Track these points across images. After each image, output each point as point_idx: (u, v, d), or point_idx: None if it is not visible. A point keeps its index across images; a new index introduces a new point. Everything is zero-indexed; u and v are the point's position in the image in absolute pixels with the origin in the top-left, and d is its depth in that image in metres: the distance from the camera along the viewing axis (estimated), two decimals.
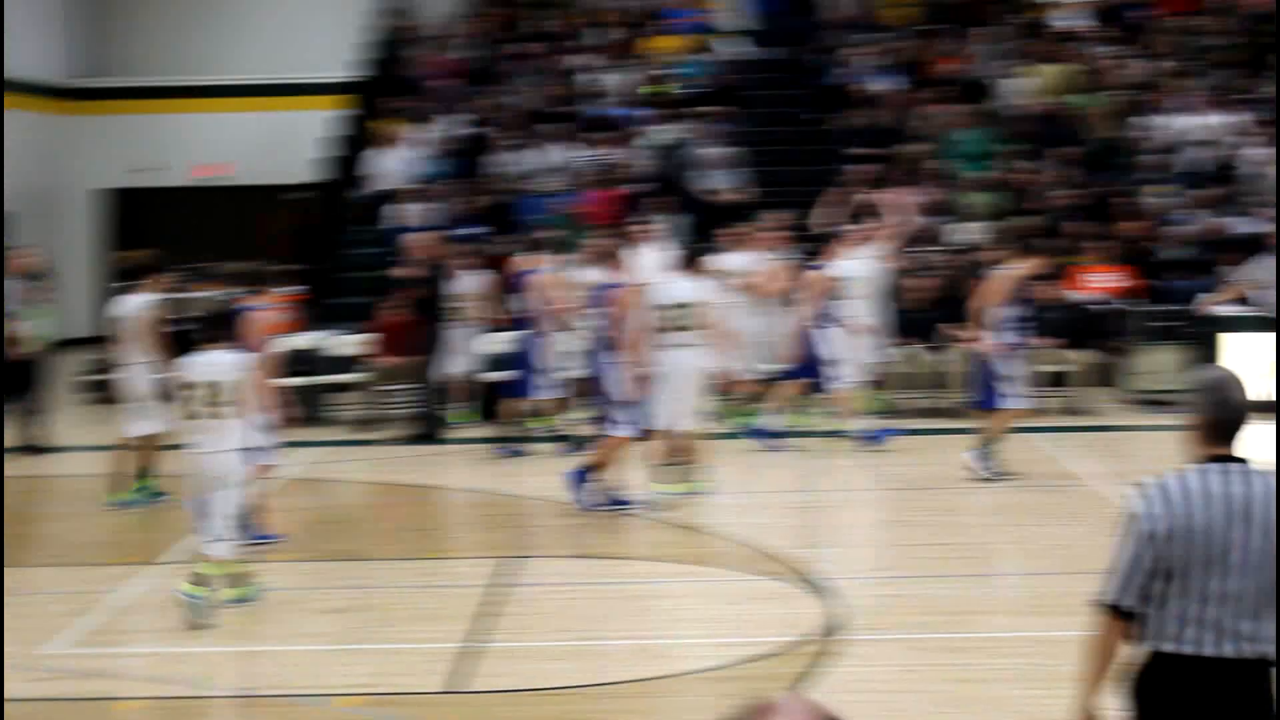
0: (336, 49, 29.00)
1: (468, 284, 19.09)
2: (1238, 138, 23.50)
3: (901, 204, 18.90)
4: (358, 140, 25.68)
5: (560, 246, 17.85)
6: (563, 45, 26.71)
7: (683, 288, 14.43)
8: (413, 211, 23.24)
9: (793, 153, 25.95)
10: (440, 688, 9.22)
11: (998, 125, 23.96)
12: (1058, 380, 19.77)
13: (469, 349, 19.04)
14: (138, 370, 14.73)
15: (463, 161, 24.49)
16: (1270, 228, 20.34)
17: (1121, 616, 5.22)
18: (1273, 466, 5.22)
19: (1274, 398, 16.61)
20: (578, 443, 16.78)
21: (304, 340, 20.38)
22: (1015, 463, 15.97)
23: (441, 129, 24.79)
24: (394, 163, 24.51)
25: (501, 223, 23.02)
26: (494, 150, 24.42)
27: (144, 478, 14.88)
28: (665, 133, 24.23)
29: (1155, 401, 19.58)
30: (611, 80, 25.65)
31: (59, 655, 10.07)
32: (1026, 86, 24.94)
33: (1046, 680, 8.95)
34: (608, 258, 14.96)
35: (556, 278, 16.93)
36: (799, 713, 1.89)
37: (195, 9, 31.29)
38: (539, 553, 12.95)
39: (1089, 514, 13.81)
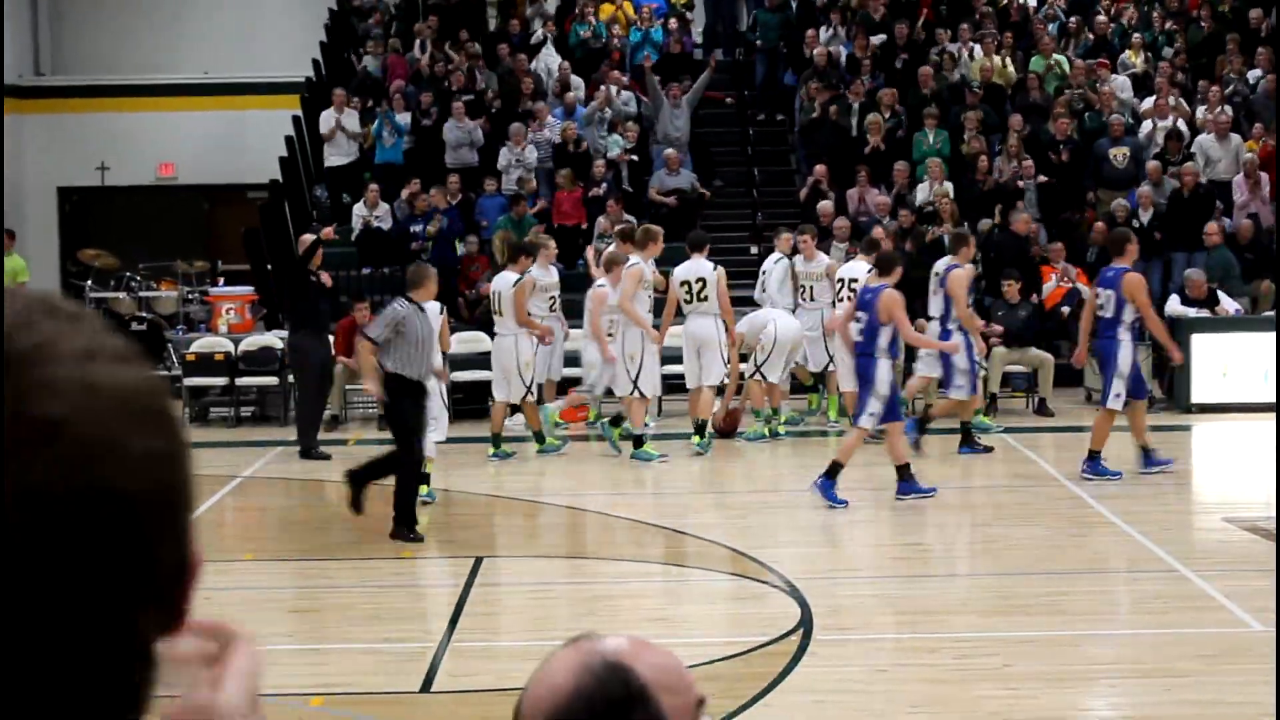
0: (297, 47, 28.91)
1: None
2: (1198, 129, 23.69)
3: (866, 203, 18.97)
4: (318, 138, 25.62)
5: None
6: (519, 38, 26.73)
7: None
8: (373, 209, 23.21)
9: (746, 150, 26.01)
10: (413, 688, 9.21)
11: (962, 122, 24.00)
12: (1024, 381, 19.86)
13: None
14: None
15: (421, 158, 24.44)
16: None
17: None
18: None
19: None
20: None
21: (269, 339, 20.34)
22: (986, 463, 16.07)
23: (400, 125, 24.73)
24: (353, 159, 24.52)
25: (463, 220, 23.01)
26: (455, 147, 24.35)
27: None
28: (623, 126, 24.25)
29: None
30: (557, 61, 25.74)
31: None
32: (992, 79, 25.03)
33: (1016, 680, 9.00)
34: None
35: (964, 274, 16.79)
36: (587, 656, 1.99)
37: (155, 7, 31.15)
38: (511, 553, 12.95)
39: (1057, 514, 13.88)
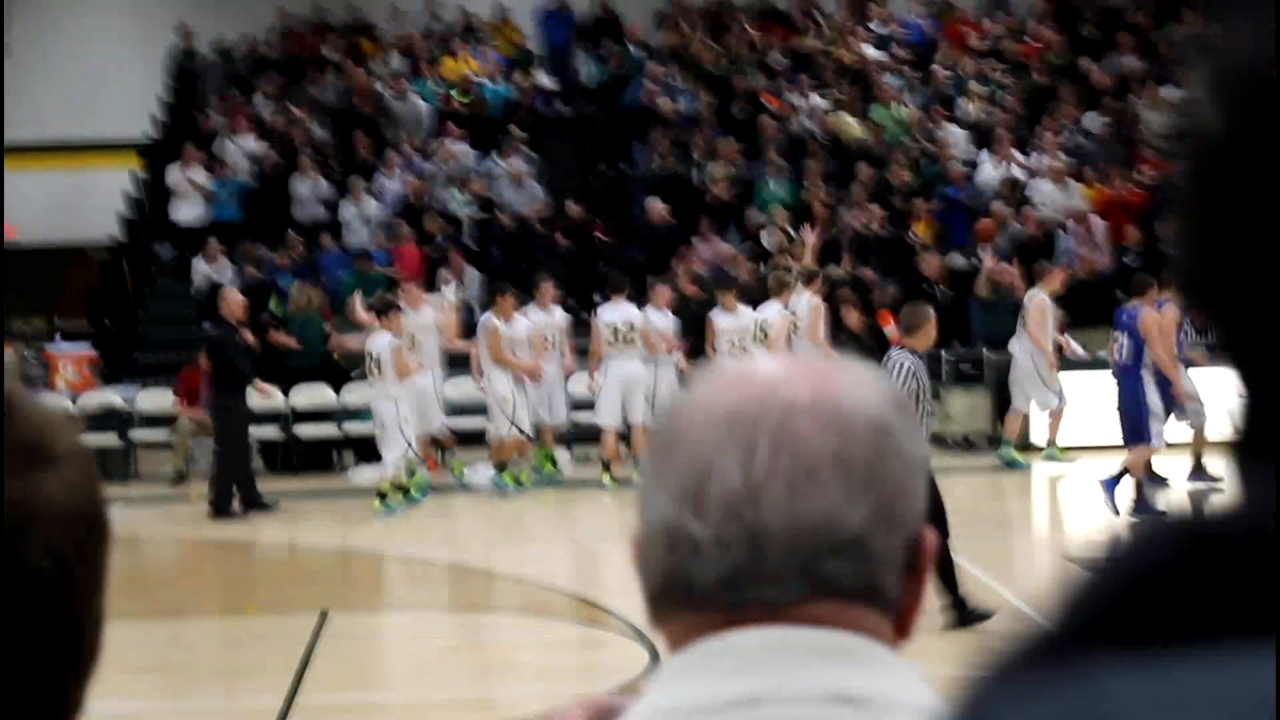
0: (137, 105, 28.57)
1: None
2: (1035, 178, 24.12)
3: (711, 251, 19.07)
4: (159, 196, 25.32)
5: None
6: (367, 69, 26.71)
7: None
8: (217, 265, 22.97)
9: (591, 190, 25.98)
10: None
11: (806, 171, 24.24)
12: None
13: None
14: None
15: (265, 208, 24.27)
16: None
17: None
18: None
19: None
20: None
21: (110, 397, 20.08)
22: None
23: (237, 183, 24.59)
24: (196, 215, 24.29)
25: (307, 273, 22.79)
26: (303, 202, 24.22)
27: None
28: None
29: (962, 444, 19.92)
30: (414, 105, 25.77)
31: None
32: (836, 129, 25.33)
33: None
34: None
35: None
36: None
37: None
38: (359, 607, 12.79)
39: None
